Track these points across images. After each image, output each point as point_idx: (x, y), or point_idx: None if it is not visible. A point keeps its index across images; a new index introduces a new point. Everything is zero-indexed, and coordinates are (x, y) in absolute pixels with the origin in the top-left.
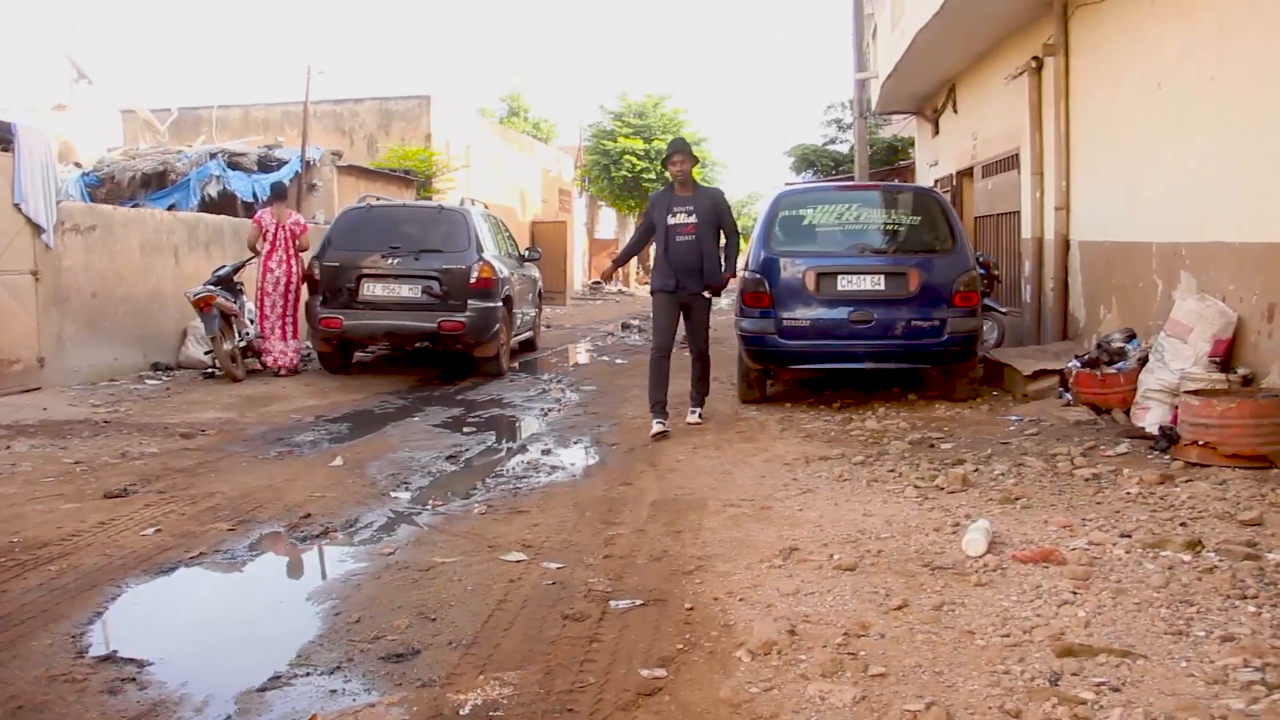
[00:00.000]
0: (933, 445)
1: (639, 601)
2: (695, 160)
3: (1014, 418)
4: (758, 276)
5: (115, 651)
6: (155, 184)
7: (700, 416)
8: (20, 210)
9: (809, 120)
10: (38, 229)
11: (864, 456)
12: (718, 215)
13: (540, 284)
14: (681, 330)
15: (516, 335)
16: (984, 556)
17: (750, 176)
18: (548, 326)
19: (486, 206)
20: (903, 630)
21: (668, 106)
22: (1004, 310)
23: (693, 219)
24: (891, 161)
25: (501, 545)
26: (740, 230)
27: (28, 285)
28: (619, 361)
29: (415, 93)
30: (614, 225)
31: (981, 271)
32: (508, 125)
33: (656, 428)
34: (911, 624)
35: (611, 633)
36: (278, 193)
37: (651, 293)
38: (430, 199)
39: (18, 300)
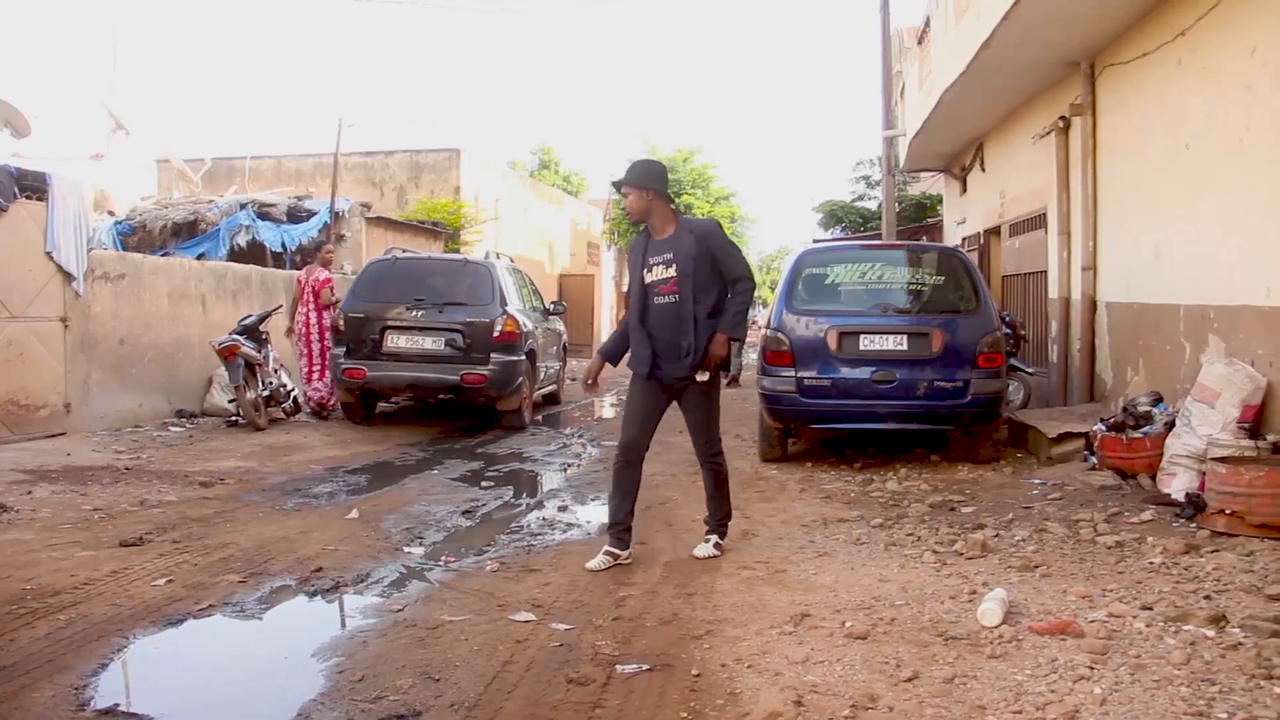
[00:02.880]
0: (953, 508)
1: (645, 666)
2: (659, 193)
3: (1037, 481)
4: (779, 335)
5: (116, 705)
6: (186, 233)
7: (718, 547)
8: (52, 258)
9: (838, 176)
10: (68, 276)
11: (883, 519)
12: (709, 257)
13: (564, 337)
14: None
15: (539, 389)
16: (999, 627)
17: (780, 231)
18: (572, 379)
19: (512, 259)
20: (912, 704)
21: (697, 161)
22: (1030, 370)
23: (671, 270)
24: (920, 218)
25: (511, 604)
26: (763, 281)
27: (56, 332)
28: None
29: (445, 146)
30: None
31: (1007, 331)
32: (538, 178)
33: (601, 560)
34: (922, 697)
35: (616, 699)
36: (311, 250)
37: (634, 376)
38: (458, 251)
39: (46, 347)
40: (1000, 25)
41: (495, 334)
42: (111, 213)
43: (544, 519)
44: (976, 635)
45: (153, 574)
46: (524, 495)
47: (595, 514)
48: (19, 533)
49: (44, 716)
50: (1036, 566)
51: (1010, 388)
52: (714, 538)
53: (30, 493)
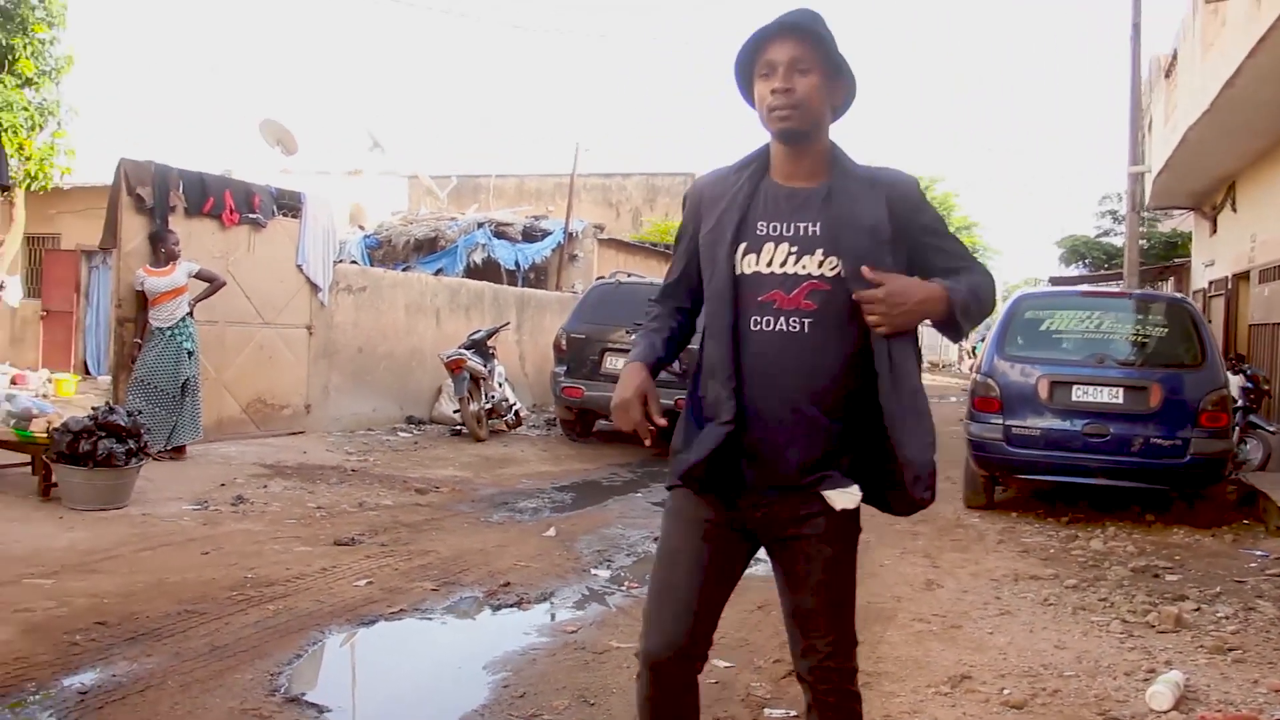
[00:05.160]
0: (1157, 575)
1: (792, 713)
2: (835, 91)
3: (1259, 553)
4: (989, 381)
5: (302, 694)
6: (427, 248)
7: None
8: (301, 270)
9: (1082, 210)
10: (315, 288)
11: (1078, 580)
12: (905, 240)
13: None
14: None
15: None
16: (1168, 713)
17: (1021, 265)
18: None
19: None
20: None
21: (939, 189)
22: (1273, 429)
23: (816, 259)
24: (1168, 257)
25: None
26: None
27: (302, 338)
28: None
29: (680, 170)
30: None
31: (1248, 385)
32: None
33: None
34: None
35: None
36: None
37: (669, 486)
38: None
39: (292, 351)
40: (1246, 61)
41: None
42: (362, 227)
43: None
44: (1141, 719)
45: (357, 574)
46: None
47: None
48: (250, 524)
49: (239, 696)
50: (1231, 649)
51: (1247, 447)
52: None
53: (266, 487)
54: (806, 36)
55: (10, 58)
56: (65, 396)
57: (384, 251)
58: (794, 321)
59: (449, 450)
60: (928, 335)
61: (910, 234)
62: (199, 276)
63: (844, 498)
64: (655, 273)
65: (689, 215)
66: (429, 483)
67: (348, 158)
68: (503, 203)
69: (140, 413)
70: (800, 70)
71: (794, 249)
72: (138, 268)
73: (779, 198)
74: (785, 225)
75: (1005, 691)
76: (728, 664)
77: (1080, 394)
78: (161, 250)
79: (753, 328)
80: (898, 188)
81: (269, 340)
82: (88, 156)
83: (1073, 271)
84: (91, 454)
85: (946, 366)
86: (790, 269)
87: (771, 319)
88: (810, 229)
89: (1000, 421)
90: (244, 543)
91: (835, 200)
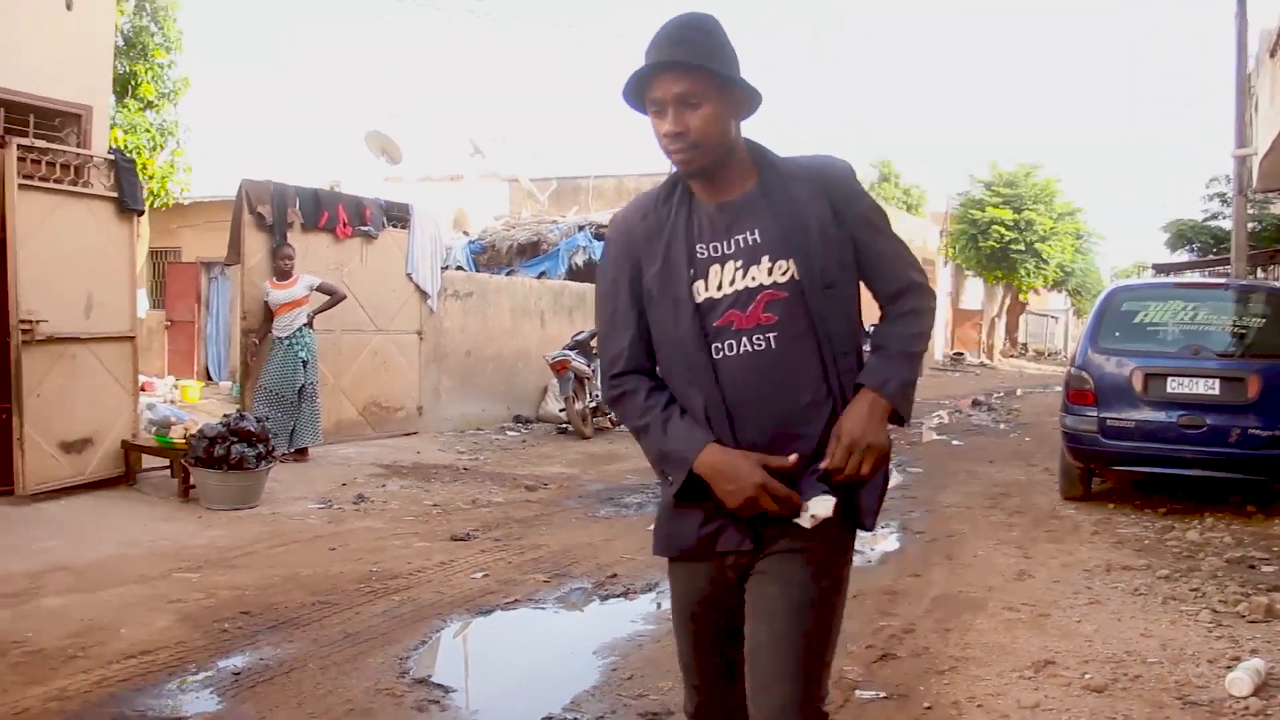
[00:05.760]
0: (1252, 566)
1: (882, 694)
2: (736, 95)
3: None
4: (1083, 374)
5: (429, 676)
6: (529, 252)
7: None
8: (411, 279)
9: (1188, 193)
10: (424, 295)
11: (1171, 570)
12: (846, 235)
13: None
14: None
15: None
16: (1247, 699)
17: (1128, 250)
18: None
19: None
20: None
21: (1039, 176)
22: None
23: (762, 268)
24: None
25: None
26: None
27: (413, 344)
28: (955, 442)
29: None
30: (980, 295)
31: None
32: (878, 191)
33: None
34: None
35: None
36: None
37: (670, 562)
38: None
39: (404, 356)
40: None
41: None
42: (466, 232)
43: None
44: (1220, 704)
45: (473, 568)
46: None
47: (879, 544)
48: (372, 521)
49: (373, 678)
50: None
51: None
52: None
53: (384, 486)
54: (688, 70)
55: (133, 83)
56: (190, 402)
57: (488, 256)
58: (758, 340)
59: (555, 448)
60: (1032, 323)
61: (848, 223)
62: (321, 289)
63: (818, 504)
64: None
65: (622, 257)
66: (538, 480)
67: (449, 163)
68: (602, 204)
69: (267, 419)
70: (690, 105)
71: (739, 264)
72: (261, 281)
73: (711, 215)
74: (724, 242)
75: (1087, 676)
76: None
77: (1175, 386)
78: (276, 265)
79: (715, 356)
80: (833, 176)
81: (382, 346)
82: (204, 173)
83: (1180, 257)
84: (225, 458)
85: (1052, 355)
86: (740, 284)
87: (733, 342)
88: (750, 238)
89: (1095, 414)
90: (367, 539)
91: (771, 200)
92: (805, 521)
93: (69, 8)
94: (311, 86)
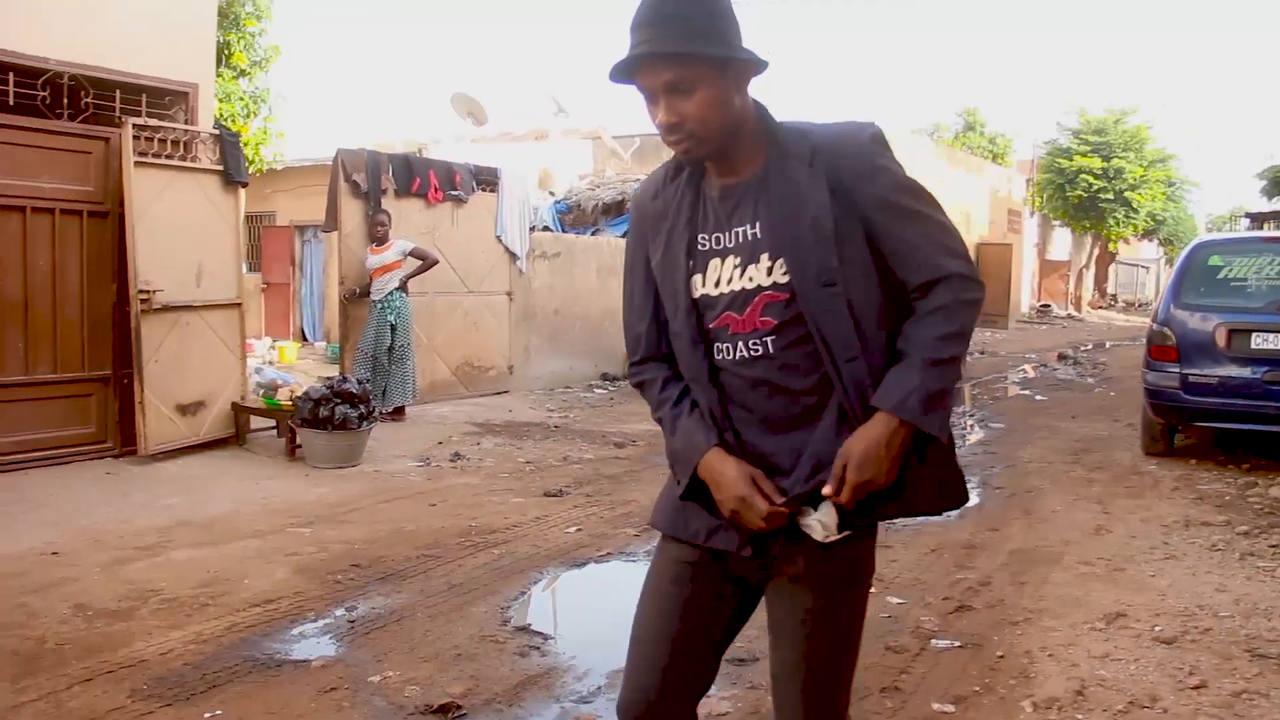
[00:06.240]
0: None
1: (957, 643)
2: (740, 70)
3: None
4: (1165, 329)
5: (529, 624)
6: (614, 211)
7: None
8: (500, 241)
9: None
10: (513, 256)
11: (1250, 527)
12: (859, 219)
13: None
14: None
15: None
16: None
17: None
18: (980, 353)
19: None
20: (1188, 710)
21: (1130, 122)
22: None
23: (760, 268)
24: None
25: None
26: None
27: (503, 304)
28: (1039, 398)
29: (858, 120)
30: (1068, 246)
31: None
32: (963, 140)
33: None
34: (1202, 705)
35: (922, 668)
36: None
37: (663, 537)
38: None
39: (495, 317)
40: None
41: None
42: (552, 192)
43: None
44: None
45: (566, 523)
46: None
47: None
48: (469, 478)
49: (477, 625)
50: None
51: None
52: None
53: (479, 444)
54: (673, 58)
55: (226, 52)
56: (287, 362)
57: (574, 216)
58: (754, 345)
59: (642, 405)
60: (1121, 273)
61: (862, 210)
62: (413, 254)
63: (821, 527)
64: None
65: (635, 241)
66: (626, 437)
67: (533, 122)
68: None
69: (367, 380)
70: (683, 92)
71: (737, 260)
72: (357, 248)
73: (714, 200)
74: (725, 234)
75: (1156, 629)
76: (900, 600)
77: (1260, 341)
78: (372, 230)
79: (716, 358)
80: (841, 155)
81: (474, 307)
82: (296, 138)
83: (1277, 205)
84: (330, 419)
85: (1143, 306)
86: (738, 284)
87: (730, 346)
88: (750, 231)
89: (1177, 370)
90: (465, 495)
91: (771, 190)
92: (817, 534)
93: None
94: (397, 49)
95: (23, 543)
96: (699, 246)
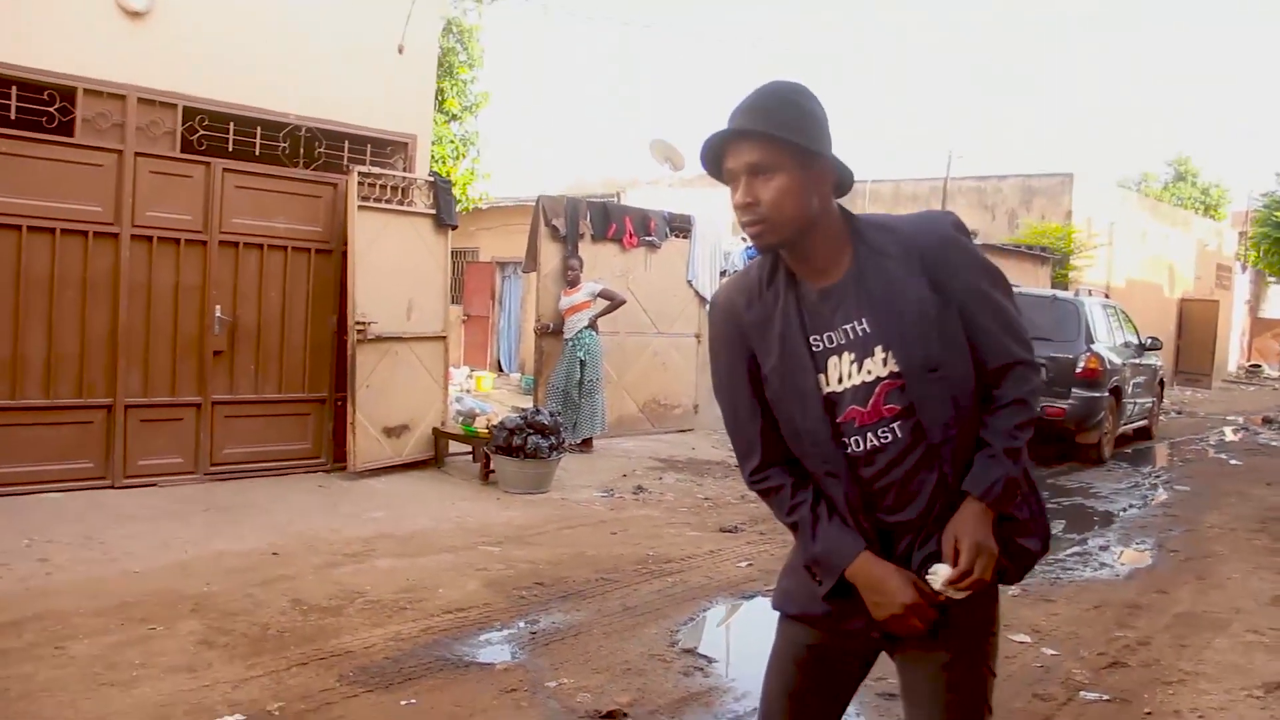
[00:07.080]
0: None
1: (1106, 697)
2: (819, 167)
3: None
4: None
5: (695, 647)
6: None
7: None
8: (691, 285)
9: None
10: (703, 300)
11: None
12: (952, 301)
13: (1161, 372)
14: None
15: (1125, 424)
16: None
17: None
18: (1178, 413)
19: (1108, 295)
20: None
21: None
22: None
23: (877, 359)
24: None
25: (1015, 626)
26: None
27: (691, 346)
28: (1233, 461)
29: (1058, 170)
30: None
31: None
32: (1173, 191)
33: None
34: None
35: (1067, 718)
36: None
37: (784, 617)
38: (1066, 277)
39: (682, 357)
40: None
41: (1078, 370)
42: (744, 238)
43: (1079, 554)
44: None
45: (739, 557)
46: (1073, 529)
47: (1131, 558)
48: (649, 510)
49: (647, 645)
50: None
51: None
52: None
53: (661, 478)
54: (761, 138)
55: (440, 98)
56: (483, 391)
57: None
58: (883, 433)
59: None
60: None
61: (955, 296)
62: (602, 295)
63: (938, 578)
64: (1028, 277)
65: (732, 349)
66: None
67: (638, 170)
68: (879, 207)
69: (558, 413)
70: (763, 175)
71: (853, 356)
72: (554, 287)
73: (816, 303)
74: (834, 332)
75: None
76: (1054, 651)
77: None
78: (564, 273)
79: (849, 451)
80: (929, 246)
81: (662, 348)
82: (500, 178)
83: None
84: (522, 447)
85: None
86: (857, 378)
87: (859, 439)
88: (859, 327)
89: None
90: (644, 526)
91: (869, 285)
92: (948, 591)
93: (400, 52)
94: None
95: (249, 542)
96: (814, 348)
